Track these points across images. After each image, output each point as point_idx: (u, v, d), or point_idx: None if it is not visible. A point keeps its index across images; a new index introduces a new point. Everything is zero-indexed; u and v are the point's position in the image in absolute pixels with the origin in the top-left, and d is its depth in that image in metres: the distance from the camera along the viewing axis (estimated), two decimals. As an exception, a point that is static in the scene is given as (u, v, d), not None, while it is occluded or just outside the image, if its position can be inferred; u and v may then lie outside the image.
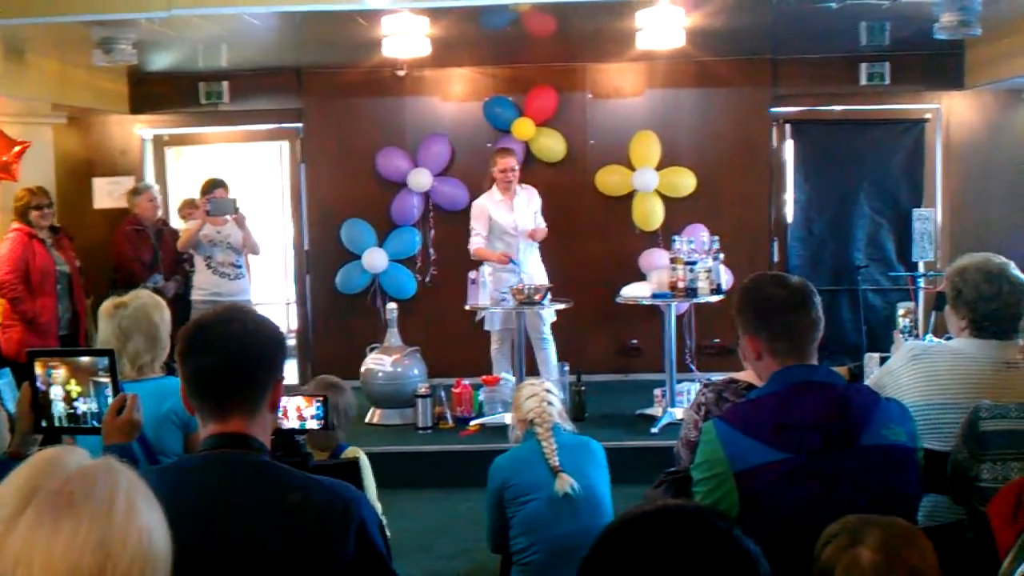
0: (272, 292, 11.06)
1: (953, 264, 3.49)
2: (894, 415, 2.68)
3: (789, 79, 9.50)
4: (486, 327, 8.14)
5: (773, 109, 9.57)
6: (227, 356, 2.18)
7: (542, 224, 8.03)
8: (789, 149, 9.64)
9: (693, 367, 9.34)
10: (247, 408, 2.19)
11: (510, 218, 7.95)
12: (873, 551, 2.03)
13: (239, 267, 8.24)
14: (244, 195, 8.46)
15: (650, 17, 7.23)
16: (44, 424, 2.81)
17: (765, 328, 2.71)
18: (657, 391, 7.87)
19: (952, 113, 9.54)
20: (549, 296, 7.72)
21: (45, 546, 1.29)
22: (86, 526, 1.31)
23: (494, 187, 8.00)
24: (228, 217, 8.02)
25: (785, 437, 2.56)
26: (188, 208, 8.99)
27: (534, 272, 7.97)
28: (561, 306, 7.81)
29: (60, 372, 2.77)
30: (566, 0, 6.26)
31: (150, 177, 9.76)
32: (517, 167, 7.99)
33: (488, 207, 8.00)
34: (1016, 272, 3.32)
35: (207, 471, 2.16)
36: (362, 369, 8.05)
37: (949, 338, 4.27)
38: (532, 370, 7.98)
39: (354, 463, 3.11)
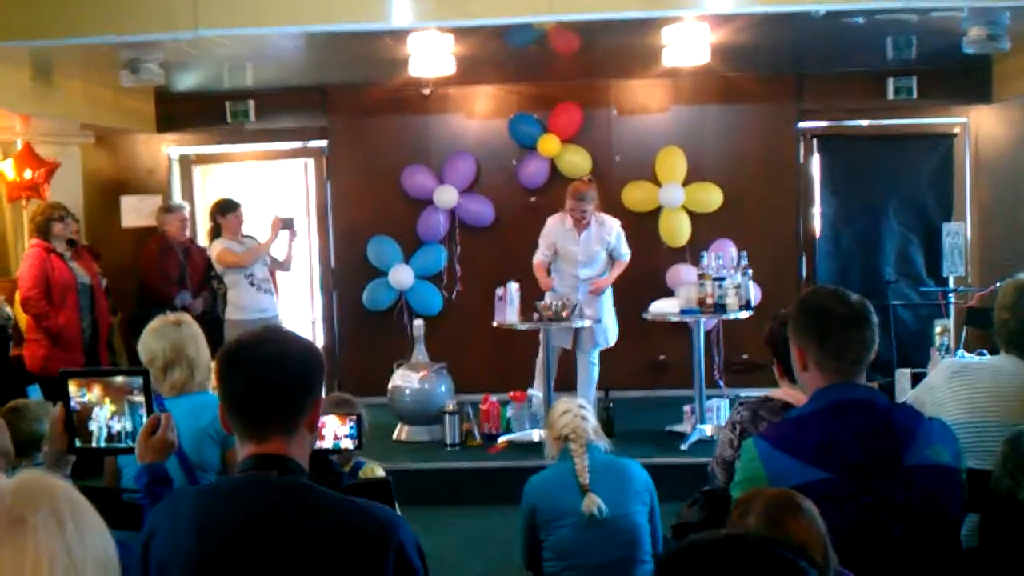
0: (299, 310, 11.08)
1: (1009, 279, 3.45)
2: (938, 435, 2.65)
3: (815, 94, 9.45)
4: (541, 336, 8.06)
5: (800, 124, 9.53)
6: (265, 377, 2.17)
7: (623, 253, 7.93)
8: (816, 164, 9.59)
9: (721, 383, 9.28)
10: (285, 429, 2.18)
11: (574, 251, 7.89)
12: (756, 518, 2.22)
13: (269, 282, 8.29)
14: (271, 213, 8.45)
15: (676, 34, 7.21)
16: (78, 444, 2.80)
17: (818, 341, 2.69)
18: (686, 407, 7.82)
19: (980, 127, 9.46)
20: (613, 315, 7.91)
21: (10, 565, 1.29)
22: (44, 538, 1.32)
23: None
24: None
25: (827, 456, 2.53)
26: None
27: (590, 310, 7.79)
28: (587, 323, 7.77)
29: (95, 392, 2.77)
30: (591, 18, 6.24)
31: (177, 195, 9.82)
32: (589, 207, 7.75)
33: (556, 231, 7.95)
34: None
35: (246, 493, 2.15)
36: (389, 386, 8.04)
37: (982, 353, 4.22)
38: (565, 388, 7.95)
39: (386, 482, 3.08)
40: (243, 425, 2.19)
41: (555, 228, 7.95)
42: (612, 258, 8.04)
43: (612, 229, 7.92)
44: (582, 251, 7.86)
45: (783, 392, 3.49)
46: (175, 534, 2.13)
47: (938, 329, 4.71)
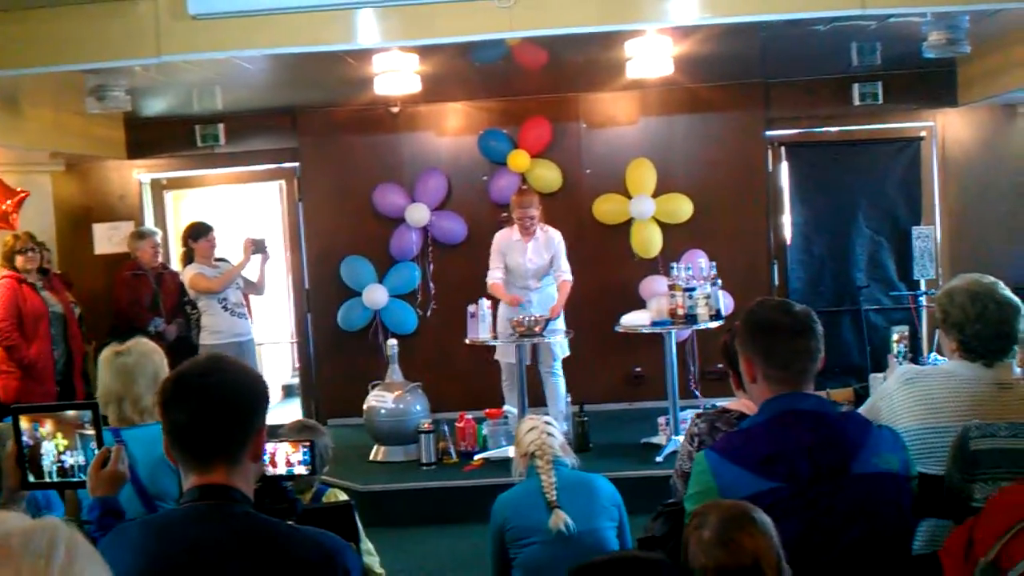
0: (276, 331, 11.08)
1: (943, 286, 3.48)
2: (886, 443, 2.67)
3: (782, 102, 9.52)
4: (496, 356, 8.12)
5: (767, 132, 9.59)
6: (206, 409, 2.17)
7: (565, 273, 7.91)
8: (784, 172, 9.64)
9: (697, 393, 9.30)
10: (228, 460, 2.18)
11: (522, 260, 7.94)
12: (710, 531, 2.25)
13: (243, 306, 8.28)
14: (243, 236, 8.45)
15: (638, 47, 7.25)
16: (32, 479, 2.80)
17: (764, 352, 2.72)
18: (661, 419, 7.84)
19: (947, 130, 9.54)
20: (563, 328, 7.87)
21: None
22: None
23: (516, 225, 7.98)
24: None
25: (775, 467, 2.55)
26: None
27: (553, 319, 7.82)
28: (560, 336, 7.81)
29: (47, 426, 2.76)
30: (553, 33, 6.27)
31: (149, 221, 9.80)
32: (536, 212, 7.86)
33: (504, 245, 8.00)
34: (1004, 292, 3.29)
35: (190, 524, 2.15)
36: (365, 406, 8.03)
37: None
38: (539, 403, 7.97)
39: (347, 506, 3.07)
40: (185, 457, 2.19)
41: (503, 242, 8.01)
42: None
43: (554, 238, 7.98)
44: (531, 259, 7.91)
45: (739, 403, 3.52)
46: (119, 567, 2.12)
47: (895, 336, 4.73)
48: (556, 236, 7.98)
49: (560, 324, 7.99)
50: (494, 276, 7.96)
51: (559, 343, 8.02)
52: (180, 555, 2.09)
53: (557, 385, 8.09)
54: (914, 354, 6.21)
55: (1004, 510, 2.40)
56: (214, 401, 2.18)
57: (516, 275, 7.98)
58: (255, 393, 2.25)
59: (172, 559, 2.09)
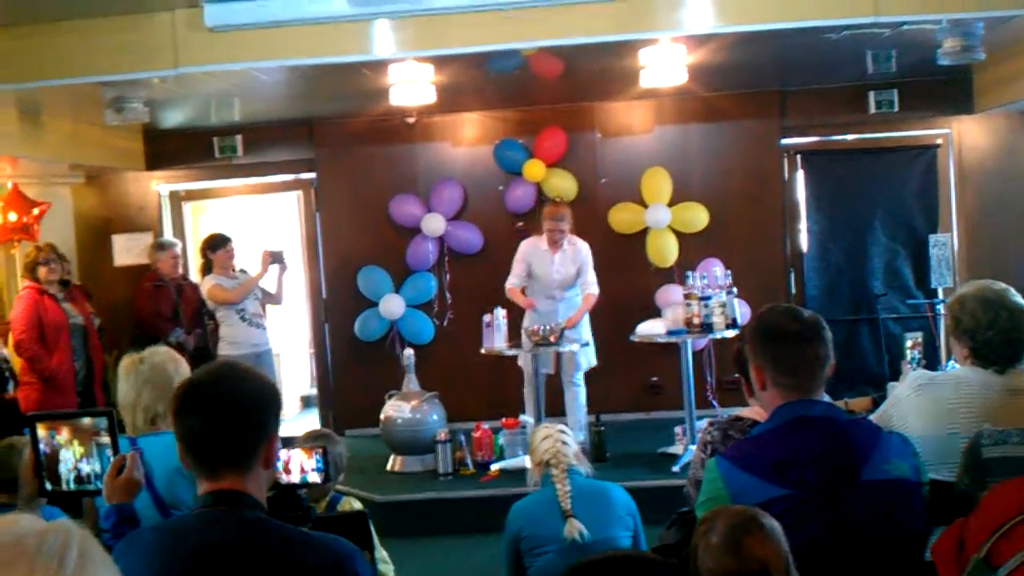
0: (294, 342, 11.13)
1: (955, 293, 3.48)
2: (896, 449, 2.66)
3: (798, 110, 9.50)
4: (520, 363, 8.13)
5: (783, 141, 9.56)
6: (217, 417, 2.19)
7: (591, 286, 7.91)
8: (801, 180, 9.62)
9: (715, 403, 9.29)
10: (239, 466, 2.20)
11: (549, 271, 7.96)
12: (718, 536, 2.23)
13: (262, 316, 8.33)
14: (261, 247, 8.51)
15: (652, 55, 7.26)
16: (49, 487, 2.83)
17: (772, 359, 2.72)
18: (678, 429, 7.83)
19: (963, 137, 9.51)
20: (587, 339, 7.94)
21: None
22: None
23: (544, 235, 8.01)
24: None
25: (786, 473, 2.56)
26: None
27: (572, 334, 7.83)
28: (576, 346, 7.81)
29: (63, 434, 2.79)
30: (568, 42, 6.29)
31: (168, 232, 9.86)
32: (567, 227, 7.90)
33: (530, 254, 8.03)
34: (1016, 299, 3.29)
35: (201, 529, 2.18)
36: (381, 416, 8.05)
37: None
38: (557, 412, 7.98)
39: (361, 515, 3.09)
40: (197, 463, 2.22)
41: (529, 251, 8.03)
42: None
43: (582, 250, 7.99)
44: (558, 271, 7.93)
45: (753, 411, 3.51)
46: (133, 572, 2.14)
47: (909, 342, 4.72)
48: (584, 248, 7.99)
49: (585, 335, 7.99)
50: (511, 281, 7.99)
51: (584, 353, 8.02)
52: (193, 560, 2.11)
53: (578, 395, 8.10)
54: (931, 362, 6.17)
55: (995, 508, 2.40)
56: (226, 408, 2.20)
57: (542, 284, 7.99)
58: (267, 400, 2.27)
59: (185, 564, 2.11)
